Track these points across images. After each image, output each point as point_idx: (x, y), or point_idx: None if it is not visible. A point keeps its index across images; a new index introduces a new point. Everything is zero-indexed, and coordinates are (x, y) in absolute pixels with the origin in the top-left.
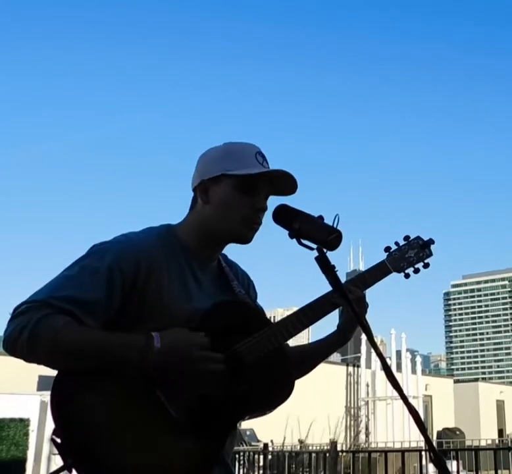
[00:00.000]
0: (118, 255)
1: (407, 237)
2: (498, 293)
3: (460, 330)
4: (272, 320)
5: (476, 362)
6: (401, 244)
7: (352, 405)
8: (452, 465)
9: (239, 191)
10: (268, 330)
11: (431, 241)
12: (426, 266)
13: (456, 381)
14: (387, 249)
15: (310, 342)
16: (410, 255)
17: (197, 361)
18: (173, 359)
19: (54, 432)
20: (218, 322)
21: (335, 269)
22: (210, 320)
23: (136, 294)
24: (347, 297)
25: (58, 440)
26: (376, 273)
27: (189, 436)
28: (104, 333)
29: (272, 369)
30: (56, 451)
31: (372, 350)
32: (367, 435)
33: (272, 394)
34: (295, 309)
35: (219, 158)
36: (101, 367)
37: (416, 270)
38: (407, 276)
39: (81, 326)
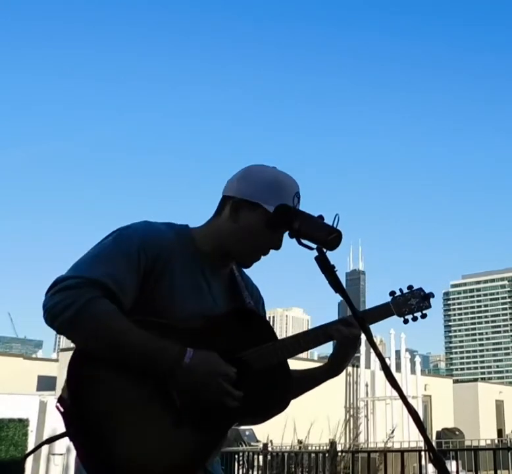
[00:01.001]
0: (145, 240)
1: (410, 287)
2: (497, 293)
3: (459, 330)
4: (271, 321)
5: (476, 362)
6: (404, 291)
7: (351, 405)
8: (451, 465)
9: (267, 226)
10: (275, 343)
11: (431, 295)
12: (424, 316)
13: (455, 381)
14: (392, 293)
15: (305, 365)
16: (412, 302)
17: (217, 392)
18: (196, 379)
19: (59, 400)
20: (230, 328)
21: (335, 269)
22: (222, 324)
23: (151, 280)
24: (356, 313)
25: (62, 409)
26: (379, 313)
27: (187, 428)
28: (145, 332)
29: (272, 382)
30: (55, 452)
31: (372, 350)
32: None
33: (267, 406)
34: (294, 309)
35: (263, 188)
36: (127, 361)
37: (415, 318)
38: (406, 321)
39: (126, 319)
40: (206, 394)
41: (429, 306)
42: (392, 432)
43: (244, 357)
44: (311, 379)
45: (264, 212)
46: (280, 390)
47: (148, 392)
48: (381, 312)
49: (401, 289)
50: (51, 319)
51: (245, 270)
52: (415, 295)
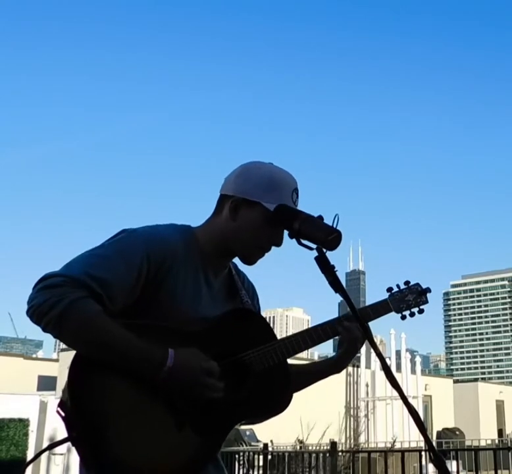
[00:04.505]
0: (150, 245)
1: (407, 282)
2: (498, 294)
3: (459, 330)
4: (271, 321)
5: (476, 362)
6: (401, 287)
7: (352, 405)
8: (452, 465)
9: (267, 223)
10: (274, 344)
11: (428, 290)
12: (421, 311)
13: (455, 381)
14: (389, 289)
15: (306, 362)
16: (409, 298)
17: (201, 386)
18: (180, 379)
19: (60, 405)
20: (229, 329)
21: (335, 269)
22: (222, 326)
23: (153, 286)
24: (356, 313)
25: (63, 413)
26: (378, 310)
27: (189, 430)
28: (130, 335)
29: (273, 382)
30: (55, 452)
31: (372, 350)
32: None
33: (268, 406)
34: (294, 309)
35: (262, 185)
36: (113, 363)
37: (412, 314)
38: (404, 317)
39: (112, 320)
40: (191, 392)
41: (426, 301)
42: (394, 441)
43: (244, 358)
44: (315, 374)
45: (263, 210)
46: (280, 390)
47: (149, 395)
48: (379, 309)
49: (398, 285)
50: (36, 317)
51: (247, 266)
52: (412, 290)
